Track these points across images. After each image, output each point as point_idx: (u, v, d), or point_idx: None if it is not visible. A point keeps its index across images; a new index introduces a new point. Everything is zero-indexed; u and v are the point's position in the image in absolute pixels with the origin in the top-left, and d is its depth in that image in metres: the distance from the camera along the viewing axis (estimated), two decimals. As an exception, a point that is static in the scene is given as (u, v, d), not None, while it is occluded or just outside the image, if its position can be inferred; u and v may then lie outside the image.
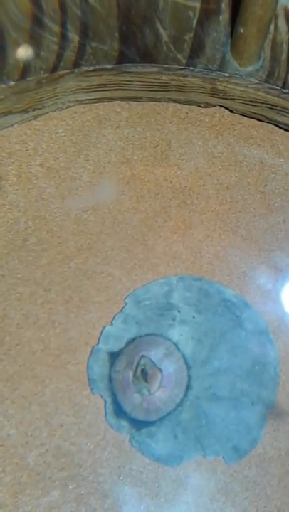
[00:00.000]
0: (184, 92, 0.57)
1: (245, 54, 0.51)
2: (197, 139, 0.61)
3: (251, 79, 0.52)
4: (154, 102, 0.61)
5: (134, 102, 0.61)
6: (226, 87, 0.54)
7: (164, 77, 0.54)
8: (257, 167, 0.62)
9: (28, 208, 0.58)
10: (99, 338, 0.56)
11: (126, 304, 0.57)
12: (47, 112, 0.59)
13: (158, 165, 0.60)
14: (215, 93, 0.56)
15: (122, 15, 0.51)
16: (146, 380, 0.54)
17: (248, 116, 0.62)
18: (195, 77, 0.53)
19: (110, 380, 0.55)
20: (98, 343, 0.56)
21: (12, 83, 0.49)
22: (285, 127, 0.61)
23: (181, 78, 0.54)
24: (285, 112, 0.57)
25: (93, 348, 0.56)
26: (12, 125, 0.58)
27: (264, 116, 0.60)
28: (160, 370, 0.55)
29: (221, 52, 0.52)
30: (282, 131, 0.62)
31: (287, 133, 0.63)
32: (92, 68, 0.51)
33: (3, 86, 0.49)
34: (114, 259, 0.58)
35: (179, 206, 0.60)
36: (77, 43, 0.50)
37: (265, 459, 0.56)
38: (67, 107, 0.59)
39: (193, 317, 0.57)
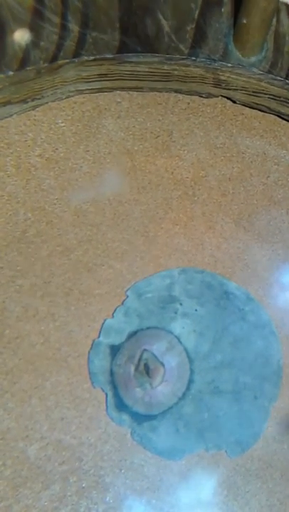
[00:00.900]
0: (185, 82, 0.57)
1: (248, 44, 0.51)
2: (199, 129, 0.61)
3: (254, 69, 0.53)
4: (155, 92, 0.60)
5: (135, 92, 0.60)
6: (228, 77, 0.54)
7: (165, 67, 0.53)
8: (259, 158, 0.61)
9: (27, 199, 0.57)
10: (100, 331, 0.56)
11: (127, 296, 0.57)
12: (46, 102, 0.58)
13: (159, 156, 0.60)
14: (217, 83, 0.56)
15: (123, 6, 0.51)
16: (148, 375, 0.54)
17: (250, 107, 0.61)
18: (197, 67, 0.53)
19: (111, 373, 0.55)
20: (99, 336, 0.56)
21: (11, 73, 0.49)
22: (288, 118, 0.61)
23: (183, 68, 0.53)
24: (288, 102, 0.57)
25: (94, 341, 0.56)
26: (11, 115, 0.57)
27: (267, 107, 0.59)
28: (163, 364, 0.54)
29: (223, 42, 0.52)
30: (285, 122, 0.62)
31: (290, 124, 0.62)
32: (92, 58, 0.51)
33: (2, 76, 0.49)
34: (115, 251, 0.58)
35: (180, 198, 0.59)
36: (77, 33, 0.50)
37: (268, 452, 0.56)
38: (66, 97, 0.59)
39: (196, 310, 0.57)
